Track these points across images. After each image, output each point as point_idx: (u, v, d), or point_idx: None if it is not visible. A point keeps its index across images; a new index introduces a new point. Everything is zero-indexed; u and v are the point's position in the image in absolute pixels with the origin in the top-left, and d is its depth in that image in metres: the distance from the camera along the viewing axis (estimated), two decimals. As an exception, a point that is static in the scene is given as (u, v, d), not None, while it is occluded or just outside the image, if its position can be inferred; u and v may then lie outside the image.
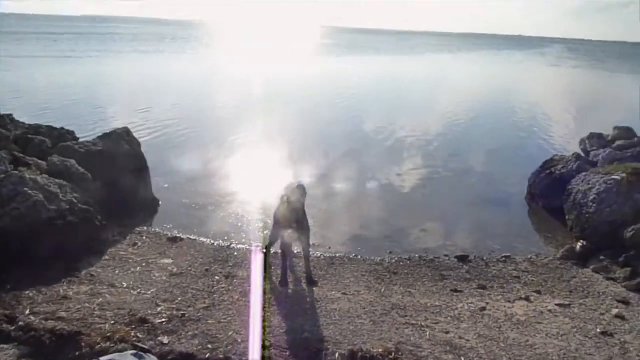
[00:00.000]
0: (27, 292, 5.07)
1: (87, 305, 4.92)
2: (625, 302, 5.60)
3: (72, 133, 8.62)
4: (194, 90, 22.50)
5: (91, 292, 5.25)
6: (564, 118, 20.08)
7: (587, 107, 23.62)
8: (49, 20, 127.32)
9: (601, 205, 7.04)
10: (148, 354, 3.17)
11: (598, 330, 4.94)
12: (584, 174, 8.04)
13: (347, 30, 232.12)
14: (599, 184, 7.29)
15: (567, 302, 5.59)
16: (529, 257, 7.04)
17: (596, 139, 10.11)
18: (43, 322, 4.50)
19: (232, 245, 6.96)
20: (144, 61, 36.03)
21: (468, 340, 4.61)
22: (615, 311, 5.35)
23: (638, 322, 5.16)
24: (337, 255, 6.82)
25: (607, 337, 4.82)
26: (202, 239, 7.14)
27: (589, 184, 7.51)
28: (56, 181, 6.54)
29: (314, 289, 5.61)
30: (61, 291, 5.19)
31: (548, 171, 9.14)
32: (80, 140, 8.37)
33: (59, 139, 8.13)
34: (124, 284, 5.53)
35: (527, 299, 5.68)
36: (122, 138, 8.26)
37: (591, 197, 7.25)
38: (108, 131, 8.44)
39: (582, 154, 9.75)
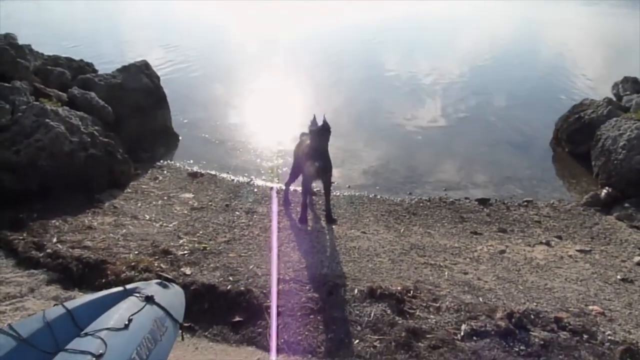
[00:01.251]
0: (54, 221, 5.19)
1: (111, 235, 5.02)
2: (648, 250, 5.53)
3: (91, 65, 8.52)
4: (215, 30, 21.83)
5: (115, 223, 5.35)
6: (596, 61, 19.16)
7: (622, 50, 22.46)
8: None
9: (631, 152, 6.80)
10: (172, 283, 3.23)
11: (618, 276, 4.90)
12: (614, 119, 7.72)
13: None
14: (630, 130, 7.02)
15: (588, 248, 5.54)
16: (552, 202, 6.93)
17: (631, 83, 9.61)
18: (70, 250, 4.62)
19: (252, 182, 6.98)
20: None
21: (486, 282, 4.62)
22: (637, 259, 5.29)
23: (660, 269, 5.10)
24: (357, 194, 6.80)
25: (627, 284, 4.78)
26: (222, 175, 7.18)
27: (619, 130, 7.23)
28: (77, 113, 6.54)
29: (333, 226, 5.64)
30: (86, 221, 5.30)
31: (577, 115, 8.80)
32: (99, 72, 8.26)
33: (78, 70, 8.05)
34: (146, 216, 5.62)
35: (547, 243, 5.63)
36: (141, 71, 8.16)
37: (621, 143, 7.00)
38: (127, 64, 8.30)
39: (614, 99, 9.34)
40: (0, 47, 7.02)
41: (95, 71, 8.33)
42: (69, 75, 7.67)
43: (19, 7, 20.62)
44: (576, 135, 8.56)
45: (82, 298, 2.95)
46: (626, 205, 6.53)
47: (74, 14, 21.83)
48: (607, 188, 6.91)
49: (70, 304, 2.78)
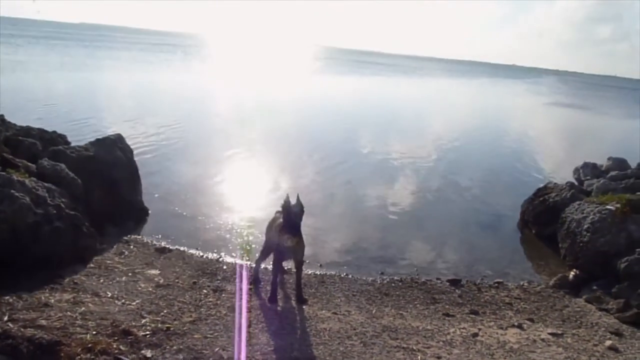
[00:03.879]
0: (7, 297, 4.88)
1: (68, 313, 4.73)
2: (618, 334, 5.53)
3: (63, 137, 8.48)
4: (188, 101, 22.38)
5: (74, 300, 5.06)
6: (557, 147, 20.29)
7: (579, 138, 23.90)
8: (39, 26, 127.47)
9: (595, 235, 7.02)
10: (130, 369, 3.02)
11: (591, 361, 4.85)
12: (578, 202, 8.03)
13: (344, 51, 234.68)
14: (593, 213, 7.28)
15: (559, 332, 5.51)
16: (522, 283, 6.97)
17: (590, 169, 10.16)
18: (22, 329, 4.31)
19: (221, 258, 6.82)
20: (138, 70, 36.00)
21: (460, 367, 4.49)
22: (608, 342, 5.27)
23: (631, 354, 5.08)
24: (328, 273, 6.70)
25: (600, 370, 4.73)
26: (191, 251, 7.00)
27: (583, 213, 7.50)
28: (45, 185, 6.38)
29: (304, 307, 5.48)
30: (42, 298, 5.00)
31: (541, 198, 9.14)
32: (72, 144, 8.22)
33: (50, 142, 7.98)
34: (108, 293, 5.35)
35: (519, 326, 5.58)
36: (115, 144, 8.14)
37: (585, 226, 7.23)
38: (100, 137, 8.30)
39: (576, 183, 9.79)
40: (-28, 118, 6.98)
41: (67, 143, 8.28)
42: (39, 146, 7.59)
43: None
44: (542, 217, 8.82)
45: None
46: (594, 287, 6.62)
47: (51, 84, 22.05)
48: (574, 270, 7.03)
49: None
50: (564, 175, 13.14)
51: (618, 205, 7.16)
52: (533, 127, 26.35)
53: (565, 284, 6.87)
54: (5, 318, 4.48)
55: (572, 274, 6.99)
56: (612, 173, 9.50)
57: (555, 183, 9.76)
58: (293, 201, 5.20)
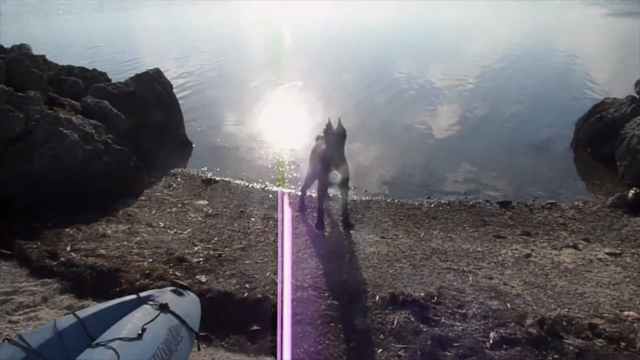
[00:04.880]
0: (67, 229, 5.12)
1: (125, 243, 4.93)
2: (681, 252, 5.27)
3: (104, 75, 8.51)
4: (225, 37, 21.92)
5: (129, 230, 5.26)
6: (615, 61, 18.80)
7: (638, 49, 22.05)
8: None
9: (658, 151, 6.57)
10: (187, 291, 3.11)
11: (652, 280, 4.67)
12: (639, 117, 7.48)
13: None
14: (657, 128, 6.77)
15: (618, 251, 5.30)
16: (576, 204, 6.69)
17: (653, 81, 9.35)
18: (84, 258, 4.54)
19: (267, 187, 6.87)
20: (174, 8, 35.43)
21: (513, 287, 4.42)
22: (670, 261, 5.04)
23: (696, 272, 4.85)
24: (374, 199, 6.65)
25: (661, 288, 4.55)
26: (236, 181, 7.08)
27: (645, 128, 7.00)
28: (91, 121, 6.50)
29: (351, 232, 5.48)
30: (100, 229, 5.22)
31: (598, 115, 8.56)
32: (112, 81, 8.24)
33: (91, 80, 8.03)
34: (160, 223, 5.52)
35: (574, 246, 5.41)
36: (154, 79, 8.12)
37: (647, 142, 6.76)
38: (139, 72, 8.28)
39: (638, 97, 9.06)
40: (15, 58, 7.05)
41: (108, 80, 8.31)
42: (82, 84, 7.66)
43: (33, 22, 20.95)
44: (598, 135, 8.30)
45: (94, 307, 2.84)
46: (655, 206, 6.28)
47: (87, 26, 22.09)
48: (634, 188, 6.65)
49: (82, 313, 2.67)
50: (623, 91, 12.24)
51: (686, 118, 6.62)
52: (587, 42, 24.44)
53: (624, 203, 6.53)
54: (68, 248, 4.71)
55: (631, 192, 6.61)
56: (679, 84, 8.72)
57: (614, 98, 9.08)
58: (335, 126, 5.06)
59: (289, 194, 6.63)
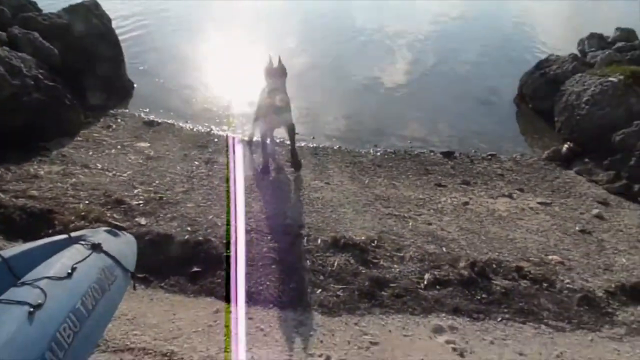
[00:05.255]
0: (-5, 169, 4.81)
1: (59, 184, 4.70)
2: (605, 204, 5.64)
3: (33, 4, 7.78)
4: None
5: (63, 172, 5.01)
6: (563, 18, 19.20)
7: (589, 6, 22.61)
8: None
9: (593, 108, 6.85)
10: (123, 232, 3.02)
11: (577, 228, 4.99)
12: (579, 74, 7.74)
13: None
14: (594, 86, 7.04)
15: (548, 201, 5.60)
16: (514, 156, 6.96)
17: (596, 40, 9.64)
18: (13, 199, 4.31)
19: (212, 131, 6.68)
20: None
21: (450, 232, 4.61)
22: (595, 211, 5.39)
23: (616, 222, 5.22)
24: (321, 145, 6.61)
25: (585, 235, 4.87)
26: (180, 124, 6.82)
27: (583, 85, 7.26)
28: (18, 54, 5.99)
29: (297, 175, 5.48)
30: (31, 170, 4.94)
31: (542, 71, 8.80)
32: (43, 12, 7.58)
33: (18, 9, 7.30)
34: (98, 165, 5.28)
35: (509, 196, 5.66)
36: (90, 11, 7.51)
37: (584, 99, 7.03)
38: (74, 3, 7.64)
39: (579, 55, 9.37)
40: None
41: (38, 10, 7.62)
42: (8, 13, 6.99)
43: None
44: (541, 91, 8.56)
45: (21, 246, 2.70)
46: (586, 160, 6.62)
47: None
48: (568, 143, 6.98)
49: (7, 253, 2.53)
50: (569, 48, 12.61)
51: (621, 77, 6.91)
52: (538, -1, 24.83)
53: (558, 156, 6.86)
54: (-5, 188, 4.44)
55: (565, 147, 6.94)
56: (619, 44, 9.04)
57: (557, 55, 9.33)
58: (275, 64, 4.98)
59: (233, 137, 6.49)
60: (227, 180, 5.08)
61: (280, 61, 5.10)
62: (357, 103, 8.52)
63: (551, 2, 22.88)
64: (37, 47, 6.49)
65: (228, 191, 4.82)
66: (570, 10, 21.84)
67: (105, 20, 7.72)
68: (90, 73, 7.18)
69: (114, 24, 8.11)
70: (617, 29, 9.84)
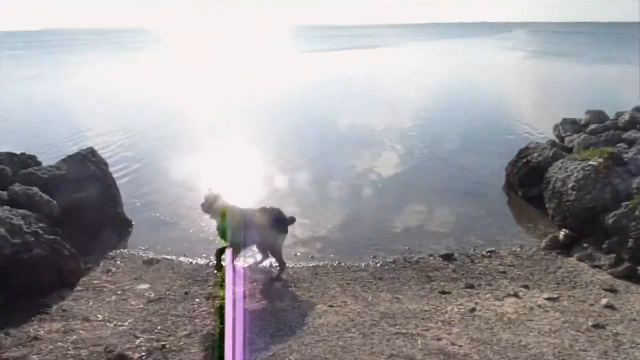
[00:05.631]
0: (-6, 336, 4.74)
1: (60, 344, 4.62)
2: (613, 291, 5.57)
3: (33, 158, 8.18)
4: (161, 105, 21.52)
5: (64, 329, 4.94)
6: (536, 103, 20.31)
7: (557, 90, 23.96)
8: (7, 37, 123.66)
9: (581, 192, 7.03)
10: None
11: (590, 323, 4.88)
12: (561, 161, 8.04)
13: (315, 28, 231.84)
14: (577, 171, 7.28)
15: (555, 296, 5.53)
16: (514, 250, 6.99)
17: (570, 125, 10.14)
18: (12, 369, 4.21)
19: (211, 263, 6.70)
20: (105, 74, 35.16)
21: (461, 346, 4.48)
22: (604, 301, 5.31)
23: (628, 311, 5.13)
24: (321, 264, 6.64)
25: (599, 330, 4.76)
26: (180, 259, 6.88)
27: (567, 172, 7.50)
28: (19, 212, 6.19)
29: (299, 303, 5.42)
30: (31, 331, 4.87)
31: (525, 160, 9.14)
32: (43, 165, 7.96)
33: (20, 165, 7.70)
34: (99, 316, 5.23)
35: (516, 295, 5.60)
36: (88, 159, 7.90)
37: (570, 185, 7.23)
38: (72, 153, 8.05)
39: (557, 140, 9.79)
40: None
41: (38, 164, 8.01)
42: (9, 171, 7.32)
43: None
44: (527, 179, 8.83)
45: None
46: (585, 245, 6.67)
47: (12, 99, 21.40)
48: (564, 230, 7.06)
49: None
50: (545, 132, 13.19)
51: (601, 160, 7.17)
52: (510, 85, 26.39)
53: (557, 245, 6.90)
54: (-6, 360, 4.35)
55: (562, 234, 7.01)
56: (592, 127, 9.48)
57: (537, 143, 9.75)
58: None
59: (235, 267, 6.51)
60: (221, 318, 5.00)
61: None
62: (351, 213, 8.69)
63: (521, 91, 24.36)
64: (37, 202, 6.72)
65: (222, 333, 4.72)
66: (541, 92, 23.16)
67: (102, 165, 8.09)
68: (89, 217, 7.36)
69: (111, 167, 8.47)
70: (588, 112, 10.38)
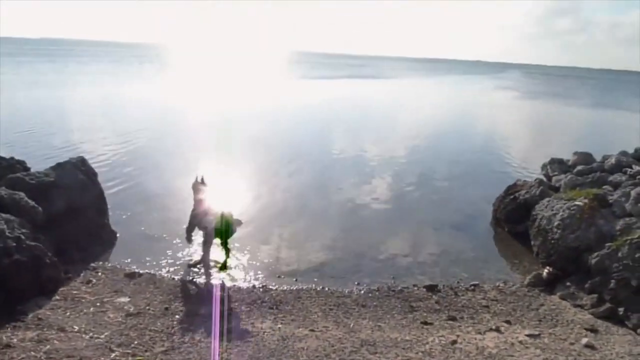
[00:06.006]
0: (-35, 341, 4.62)
1: (32, 354, 4.50)
2: (594, 330, 5.60)
3: (22, 163, 8.12)
4: (154, 118, 21.60)
5: (38, 338, 4.83)
6: (526, 141, 20.67)
7: (546, 131, 24.44)
8: (7, 43, 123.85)
9: (565, 231, 7.11)
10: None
11: (569, 362, 4.88)
12: (547, 199, 8.14)
13: (315, 55, 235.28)
14: (563, 210, 7.37)
15: (536, 332, 5.53)
16: (497, 284, 7.01)
17: (557, 164, 10.33)
18: (-19, 376, 4.09)
19: (194, 279, 6.64)
20: (103, 84, 35.22)
21: (440, 379, 4.45)
22: (584, 340, 5.32)
23: (607, 351, 5.14)
24: (304, 287, 6.60)
25: (578, 369, 4.76)
26: (162, 273, 6.80)
27: (552, 210, 7.59)
28: (2, 216, 6.11)
29: (279, 326, 5.36)
30: (4, 339, 4.75)
31: (512, 196, 9.24)
32: (32, 170, 7.89)
33: (7, 169, 7.63)
34: (74, 327, 5.13)
35: (497, 329, 5.59)
36: (77, 168, 7.87)
37: (555, 223, 7.31)
38: (62, 161, 8.01)
39: (545, 179, 9.93)
40: None
41: (27, 169, 7.94)
42: (-5, 174, 7.27)
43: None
44: (513, 215, 8.91)
45: None
46: (568, 284, 6.71)
47: (8, 104, 21.29)
48: (547, 267, 7.11)
49: None
50: (534, 169, 13.39)
51: (586, 201, 7.28)
52: (501, 123, 26.84)
53: (540, 282, 6.94)
54: (-37, 365, 4.24)
55: (545, 271, 7.06)
56: (579, 167, 9.67)
57: (524, 180, 9.88)
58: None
59: (216, 285, 6.45)
60: (209, 335, 4.94)
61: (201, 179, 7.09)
62: (338, 237, 8.67)
63: (512, 128, 24.81)
64: (22, 207, 6.64)
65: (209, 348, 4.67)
66: (531, 131, 23.59)
67: (91, 175, 8.05)
68: (74, 226, 7.28)
69: (100, 176, 8.43)
70: (575, 153, 10.58)
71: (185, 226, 7.27)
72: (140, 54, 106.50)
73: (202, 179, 7.21)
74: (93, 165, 8.53)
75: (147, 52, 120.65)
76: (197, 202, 7.07)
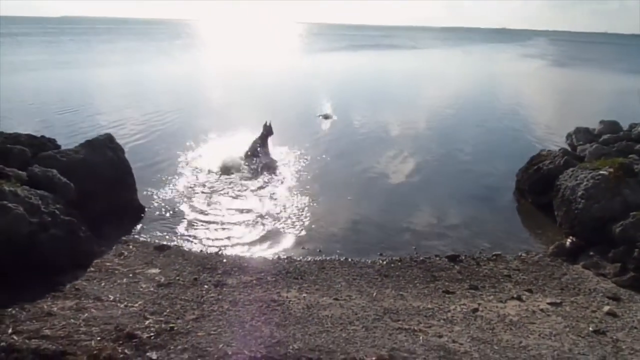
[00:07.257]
0: (10, 309, 4.91)
1: (72, 321, 4.78)
2: (616, 299, 5.61)
3: (53, 141, 8.40)
4: (181, 94, 21.92)
5: (76, 306, 5.11)
6: (551, 111, 20.23)
7: (573, 99, 23.84)
8: (21, 22, 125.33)
9: (589, 201, 7.05)
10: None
11: (590, 328, 4.93)
12: (571, 169, 8.05)
13: (333, 27, 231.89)
14: (587, 180, 7.30)
15: (558, 301, 5.58)
16: (519, 254, 7.04)
17: (583, 133, 10.14)
18: (26, 341, 4.36)
19: (221, 252, 6.85)
20: (128, 63, 35.56)
21: (462, 344, 4.56)
22: (606, 308, 5.35)
23: (629, 318, 5.17)
24: (328, 258, 6.76)
25: (599, 336, 4.81)
26: (190, 246, 7.04)
27: (577, 180, 7.52)
28: (37, 192, 6.38)
29: (305, 295, 5.53)
30: (45, 307, 5.04)
31: (535, 167, 9.15)
32: (62, 148, 8.16)
33: (39, 148, 7.91)
34: (110, 296, 5.39)
35: (518, 298, 5.66)
36: (105, 145, 8.09)
37: (579, 193, 7.26)
38: (90, 138, 8.24)
39: (569, 149, 9.79)
40: (-42, 129, 6.91)
41: (57, 147, 8.20)
42: (29, 152, 7.53)
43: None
44: (537, 186, 8.84)
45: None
46: (591, 253, 6.69)
47: (39, 84, 21.78)
48: (571, 237, 7.09)
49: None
50: (558, 140, 13.17)
51: (611, 170, 7.18)
52: (526, 92, 26.26)
53: (563, 251, 6.94)
54: (10, 331, 4.52)
55: (568, 241, 7.05)
56: (605, 136, 9.49)
57: (548, 150, 9.75)
58: None
59: (242, 256, 6.66)
60: (237, 304, 5.14)
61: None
62: (360, 210, 8.77)
63: (538, 97, 24.24)
64: (55, 184, 6.90)
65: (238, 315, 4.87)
66: (557, 100, 23.01)
67: (119, 151, 8.27)
68: (104, 202, 7.54)
69: (127, 153, 8.65)
70: (602, 121, 10.36)
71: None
72: (167, 30, 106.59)
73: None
74: (120, 142, 8.74)
75: (172, 29, 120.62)
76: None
